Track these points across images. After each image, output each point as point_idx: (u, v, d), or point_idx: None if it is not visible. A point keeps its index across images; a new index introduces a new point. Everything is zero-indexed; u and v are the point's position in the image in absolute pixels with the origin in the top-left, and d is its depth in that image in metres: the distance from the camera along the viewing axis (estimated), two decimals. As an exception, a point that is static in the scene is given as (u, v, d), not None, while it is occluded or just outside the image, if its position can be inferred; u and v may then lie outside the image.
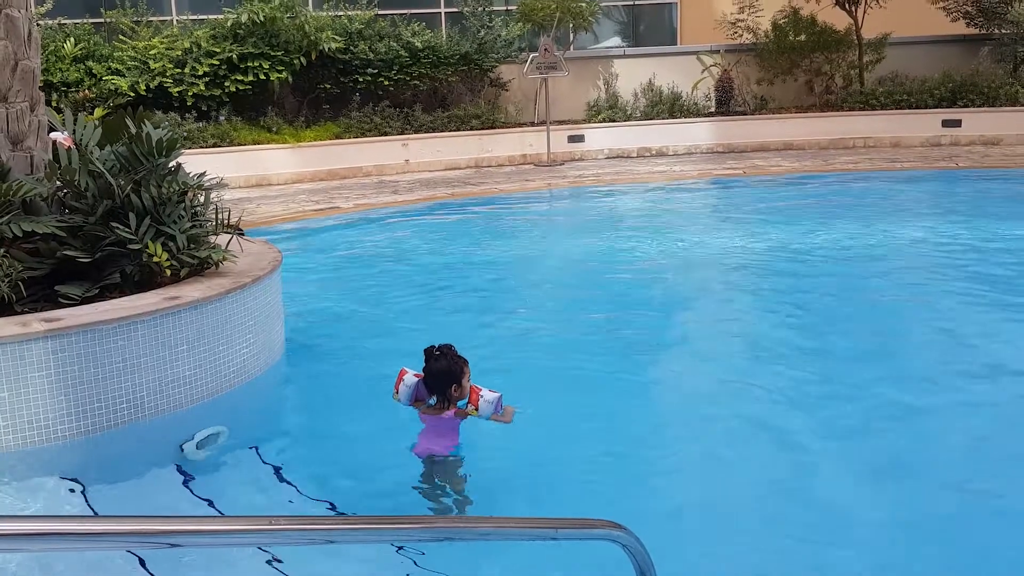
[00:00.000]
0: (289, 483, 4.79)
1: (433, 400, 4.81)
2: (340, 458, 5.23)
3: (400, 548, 3.83)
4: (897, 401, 5.77)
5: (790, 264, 9.52)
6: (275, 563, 3.80)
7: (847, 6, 19.86)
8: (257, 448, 5.19)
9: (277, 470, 4.95)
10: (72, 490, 4.62)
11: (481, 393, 4.66)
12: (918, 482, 4.76)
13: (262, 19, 17.22)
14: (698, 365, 6.71)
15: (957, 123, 18.73)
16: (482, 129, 18.80)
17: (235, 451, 5.11)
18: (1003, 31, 19.68)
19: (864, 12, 19.83)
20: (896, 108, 19.15)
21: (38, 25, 6.50)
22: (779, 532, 4.31)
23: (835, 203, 13.22)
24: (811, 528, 4.32)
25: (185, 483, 4.76)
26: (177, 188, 6.00)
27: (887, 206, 12.92)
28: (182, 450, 4.96)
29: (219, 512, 4.46)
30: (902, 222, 11.40)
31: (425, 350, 4.80)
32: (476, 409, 4.68)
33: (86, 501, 4.53)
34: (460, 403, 4.78)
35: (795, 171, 16.14)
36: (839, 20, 19.95)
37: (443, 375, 4.71)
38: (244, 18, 17.20)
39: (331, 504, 4.57)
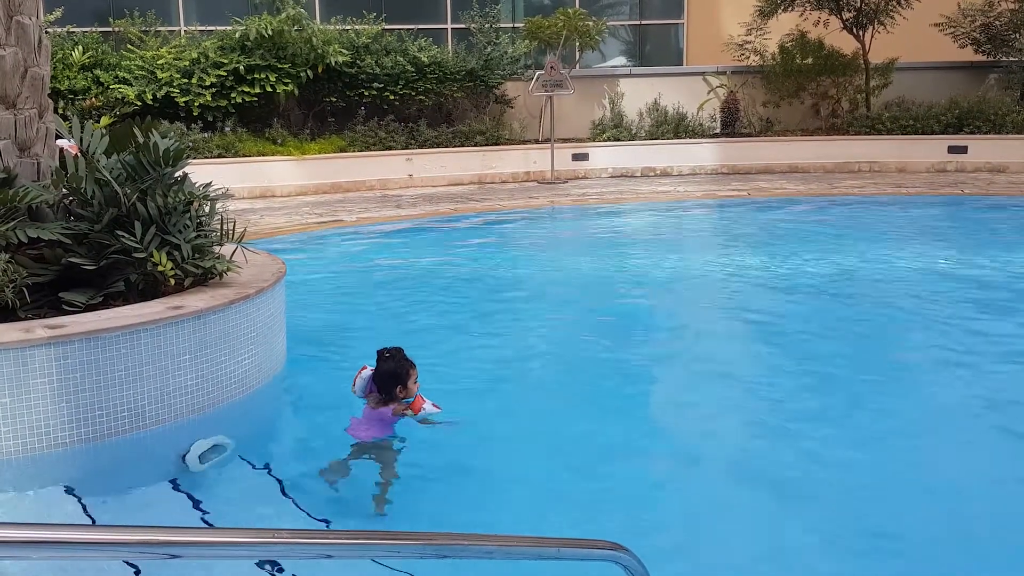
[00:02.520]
0: (288, 495, 4.77)
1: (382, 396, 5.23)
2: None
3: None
4: (898, 427, 5.75)
5: (791, 287, 9.49)
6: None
7: (855, 30, 19.94)
8: (257, 460, 5.16)
9: (276, 482, 4.92)
10: (72, 498, 4.60)
11: (424, 405, 5.12)
12: (926, 509, 4.73)
13: (270, 33, 17.28)
14: (694, 385, 6.67)
15: (963, 149, 18.77)
16: (486, 145, 18.85)
17: (235, 463, 5.08)
18: (1011, 59, 19.75)
19: (872, 37, 19.91)
20: (902, 133, 19.21)
21: (47, 33, 6.51)
22: (785, 557, 4.28)
23: (840, 227, 13.22)
24: (819, 553, 4.29)
25: (184, 493, 4.73)
26: (183, 198, 5.99)
27: (892, 231, 12.91)
28: (184, 461, 4.93)
29: (209, 523, 4.43)
30: (907, 248, 11.38)
31: (378, 351, 5.21)
32: (415, 414, 5.13)
33: (85, 509, 4.50)
34: (406, 400, 5.17)
35: (800, 194, 16.16)
36: (846, 44, 20.03)
37: (390, 376, 5.14)
38: (252, 33, 17.27)
39: (329, 519, 4.54)
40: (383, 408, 5.15)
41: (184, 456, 4.97)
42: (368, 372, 5.27)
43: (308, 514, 4.55)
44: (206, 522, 4.43)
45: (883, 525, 4.49)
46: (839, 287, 9.44)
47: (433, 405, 5.14)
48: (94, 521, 4.42)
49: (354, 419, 5.24)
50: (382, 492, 4.77)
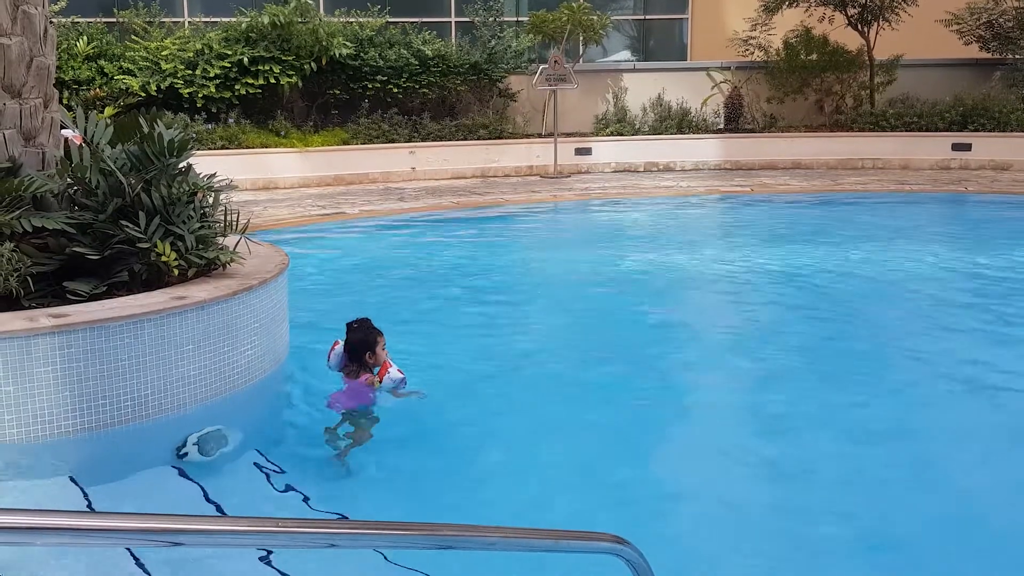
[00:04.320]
0: (290, 486, 4.78)
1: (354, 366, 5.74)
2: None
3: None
4: (903, 427, 5.76)
5: (795, 284, 9.50)
6: (274, 567, 3.79)
7: (859, 27, 19.91)
8: (259, 450, 5.18)
9: (278, 473, 4.93)
10: (74, 486, 4.62)
11: (389, 370, 5.59)
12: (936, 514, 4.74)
13: (283, 22, 17.27)
14: (698, 385, 6.66)
15: (967, 147, 18.74)
16: (489, 139, 18.83)
17: (237, 453, 5.10)
18: (1016, 56, 19.70)
19: (876, 33, 19.88)
20: (906, 130, 19.18)
21: (52, 23, 6.51)
22: (787, 554, 4.29)
23: (843, 224, 13.22)
24: (821, 547, 4.31)
25: (186, 483, 4.75)
26: (187, 188, 6.00)
27: (895, 228, 12.91)
28: (178, 454, 4.95)
29: (212, 512, 4.45)
30: (910, 245, 11.39)
31: (347, 323, 5.77)
32: (379, 381, 5.57)
33: (87, 497, 4.52)
34: (375, 369, 5.67)
35: (803, 190, 16.16)
36: (851, 40, 20.00)
37: (359, 344, 5.69)
38: (266, 20, 17.25)
39: (331, 509, 4.55)
40: (361, 378, 5.66)
41: (178, 448, 4.98)
42: (340, 346, 5.80)
43: (310, 502, 4.58)
44: (209, 511, 4.44)
45: (889, 525, 4.50)
46: (842, 283, 9.44)
47: (398, 370, 5.62)
48: (93, 508, 4.44)
49: (335, 393, 5.65)
50: (347, 447, 5.14)
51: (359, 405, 5.53)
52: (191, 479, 4.75)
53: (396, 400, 5.69)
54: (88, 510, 4.32)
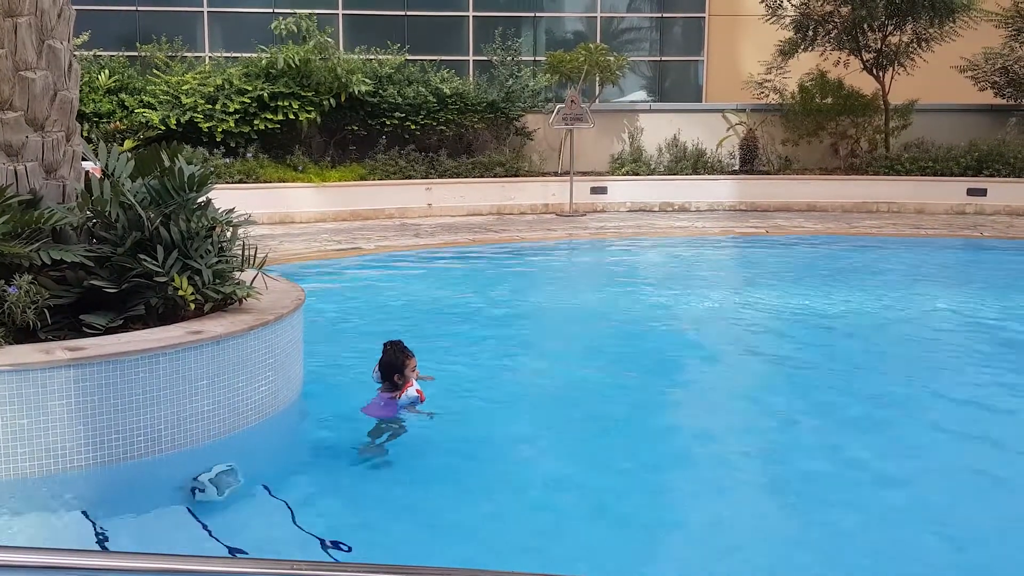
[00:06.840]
0: (302, 524, 4.75)
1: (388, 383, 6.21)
2: (356, 500, 5.20)
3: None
4: (911, 466, 5.71)
5: (808, 327, 9.46)
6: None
7: (875, 71, 19.98)
8: (272, 487, 5.16)
9: (291, 510, 4.91)
10: (86, 520, 4.60)
11: (408, 389, 6.04)
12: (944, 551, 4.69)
13: (297, 63, 17.45)
14: (707, 425, 6.62)
15: (982, 192, 18.70)
16: (506, 177, 18.92)
17: (250, 489, 5.07)
18: (1031, 102, 19.72)
19: (891, 78, 19.96)
20: (921, 174, 19.17)
21: (75, 57, 6.59)
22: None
23: (858, 267, 13.18)
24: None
25: (198, 519, 4.72)
26: (206, 223, 6.03)
27: (910, 273, 12.87)
28: (193, 493, 4.91)
29: (227, 550, 4.43)
30: (924, 290, 11.35)
31: (383, 344, 6.25)
32: (399, 397, 6.02)
33: (99, 532, 4.51)
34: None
35: (818, 233, 16.14)
36: (866, 85, 20.06)
37: (387, 365, 6.15)
38: (280, 62, 17.44)
39: (342, 546, 4.52)
40: (389, 394, 6.10)
41: (193, 487, 4.94)
42: None
43: (324, 540, 4.55)
44: (226, 547, 4.42)
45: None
46: (855, 326, 9.40)
47: (417, 390, 6.07)
48: (106, 543, 4.42)
49: (372, 401, 6.12)
50: (370, 448, 5.70)
51: (383, 417, 5.98)
52: (203, 516, 4.72)
53: (424, 439, 5.87)
54: (98, 547, 4.31)
